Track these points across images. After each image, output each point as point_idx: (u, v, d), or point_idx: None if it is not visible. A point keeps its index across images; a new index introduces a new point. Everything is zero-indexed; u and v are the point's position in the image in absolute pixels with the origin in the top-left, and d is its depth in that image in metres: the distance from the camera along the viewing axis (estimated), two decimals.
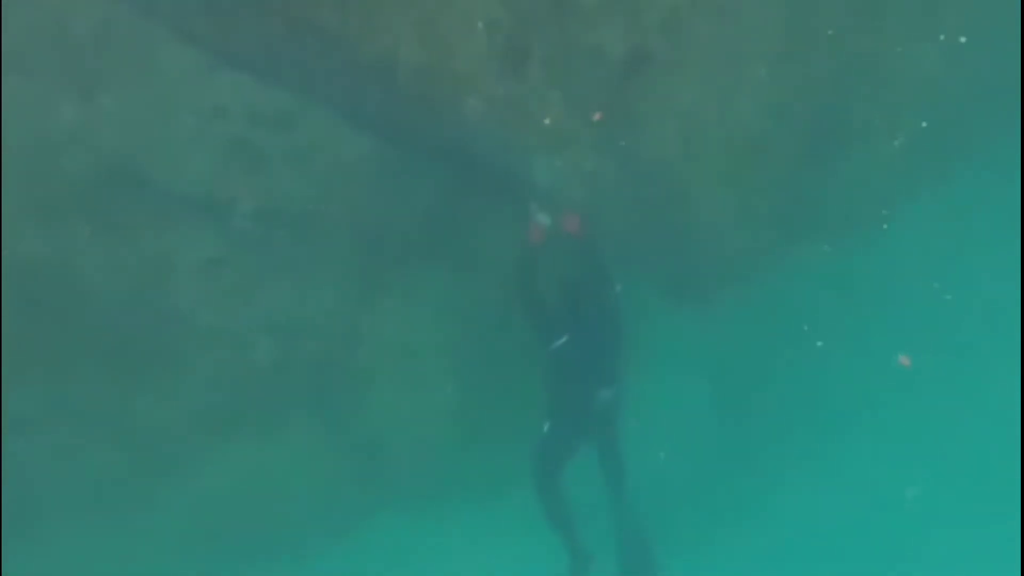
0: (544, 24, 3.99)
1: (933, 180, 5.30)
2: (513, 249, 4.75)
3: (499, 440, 5.32)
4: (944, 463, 5.59)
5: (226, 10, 3.76)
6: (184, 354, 4.42)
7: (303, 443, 5.10)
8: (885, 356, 5.77)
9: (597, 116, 4.38)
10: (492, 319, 5.16)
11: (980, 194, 5.24)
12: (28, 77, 3.63)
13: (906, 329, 5.72)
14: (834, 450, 5.87)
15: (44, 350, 4.13)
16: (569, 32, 4.03)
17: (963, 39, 4.60)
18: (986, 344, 5.66)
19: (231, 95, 4.06)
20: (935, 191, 5.35)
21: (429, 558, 5.82)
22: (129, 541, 4.80)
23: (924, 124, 4.94)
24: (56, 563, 4.68)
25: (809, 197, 5.23)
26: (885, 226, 5.47)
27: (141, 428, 4.51)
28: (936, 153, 5.14)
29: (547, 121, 4.33)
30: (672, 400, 5.88)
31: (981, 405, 5.61)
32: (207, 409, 4.65)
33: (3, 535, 4.27)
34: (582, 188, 4.76)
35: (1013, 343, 5.52)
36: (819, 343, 5.87)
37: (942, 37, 4.61)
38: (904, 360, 5.56)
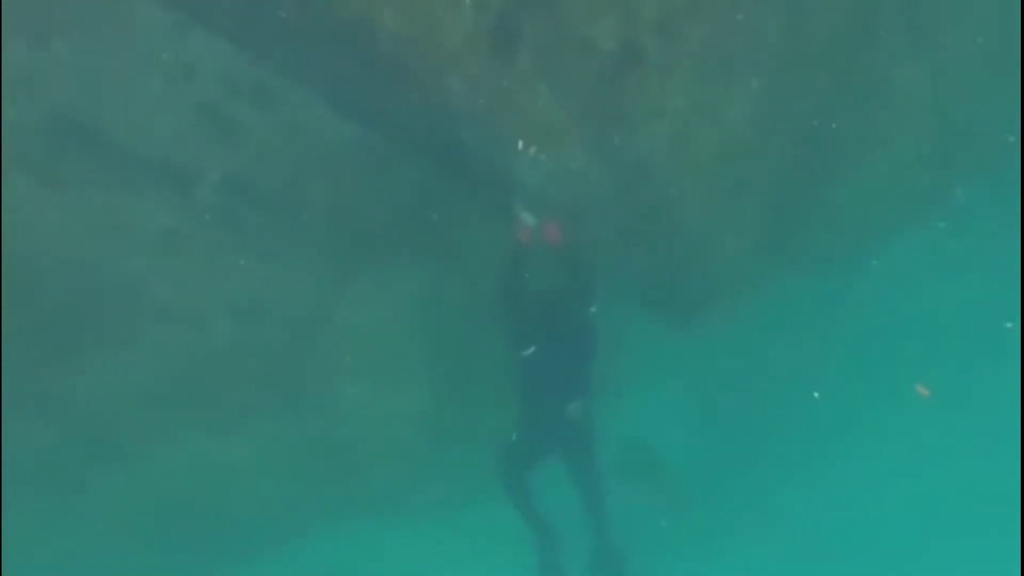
0: (535, 8, 3.88)
1: (927, 203, 5.24)
2: (498, 250, 4.65)
3: (471, 444, 5.19)
4: (933, 488, 5.50)
5: None
6: (132, 329, 4.17)
7: (260, 435, 4.87)
8: (877, 379, 5.73)
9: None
10: (469, 317, 5.01)
11: (979, 213, 5.16)
12: None
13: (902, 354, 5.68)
14: (820, 470, 5.82)
15: None
16: (561, 20, 3.92)
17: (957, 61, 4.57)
18: (983, 362, 5.62)
19: (203, 58, 3.87)
20: (929, 214, 5.29)
21: (391, 570, 5.60)
22: (61, 528, 4.49)
23: (919, 143, 4.89)
24: None
25: (799, 216, 5.17)
26: (874, 261, 5.46)
27: (80, 407, 4.26)
28: (932, 174, 5.08)
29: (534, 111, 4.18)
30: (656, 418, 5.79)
31: (978, 422, 5.58)
32: (154, 391, 4.42)
33: None
34: (568, 188, 4.63)
35: (1012, 361, 5.47)
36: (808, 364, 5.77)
37: (936, 57, 4.59)
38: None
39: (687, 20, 4.05)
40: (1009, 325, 5.46)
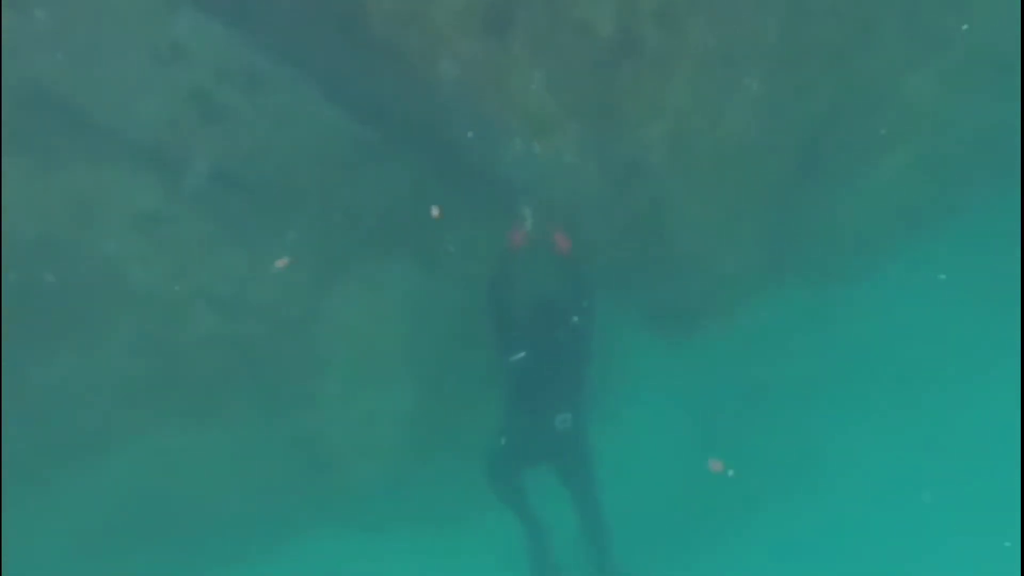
0: None
1: (928, 215, 5.15)
2: (490, 251, 4.55)
3: (458, 451, 5.00)
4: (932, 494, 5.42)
5: None
6: (105, 315, 4.00)
7: (236, 432, 4.69)
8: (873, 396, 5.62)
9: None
10: (459, 318, 4.87)
11: (981, 224, 5.10)
12: None
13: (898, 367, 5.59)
14: (818, 483, 5.70)
15: None
16: (557, 2, 3.82)
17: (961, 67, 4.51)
18: (984, 375, 5.51)
19: (191, 38, 3.77)
20: (930, 226, 5.20)
21: None
22: (20, 526, 4.26)
23: (919, 151, 4.82)
24: None
25: (799, 225, 5.09)
26: (876, 271, 5.34)
27: (47, 397, 4.07)
28: (933, 184, 5.00)
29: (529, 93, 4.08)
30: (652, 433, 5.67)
31: (978, 436, 5.48)
32: (126, 381, 4.23)
33: None
34: (561, 184, 4.53)
35: (1012, 372, 5.38)
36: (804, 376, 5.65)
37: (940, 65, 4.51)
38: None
39: (687, 12, 3.97)
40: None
